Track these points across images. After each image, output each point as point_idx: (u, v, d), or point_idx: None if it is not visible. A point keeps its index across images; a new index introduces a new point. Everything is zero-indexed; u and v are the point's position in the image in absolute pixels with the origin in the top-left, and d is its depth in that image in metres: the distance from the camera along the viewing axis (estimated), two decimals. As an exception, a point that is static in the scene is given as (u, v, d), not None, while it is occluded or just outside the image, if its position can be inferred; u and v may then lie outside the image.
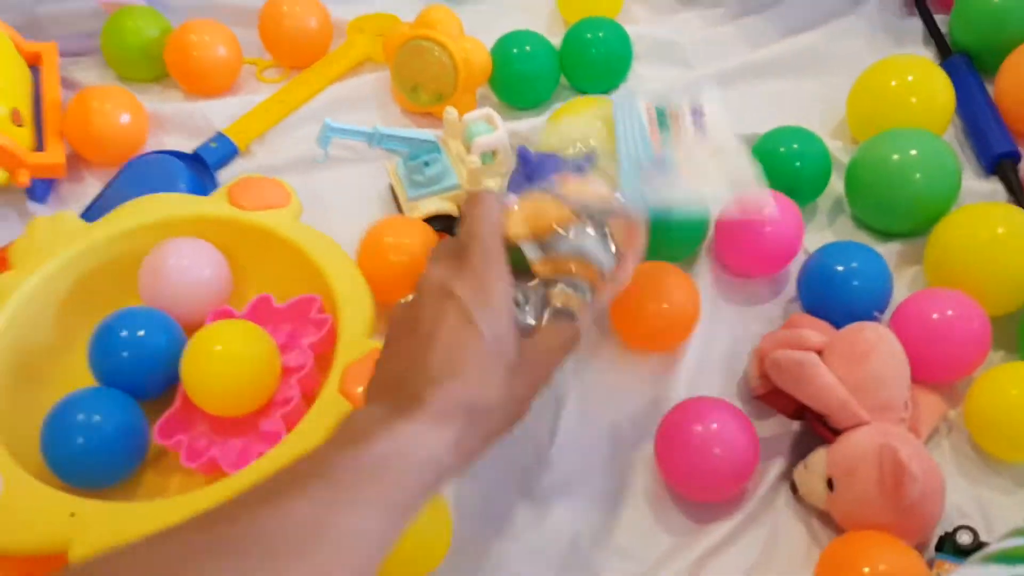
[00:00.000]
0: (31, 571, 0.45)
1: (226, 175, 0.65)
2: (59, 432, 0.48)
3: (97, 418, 0.49)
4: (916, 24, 0.72)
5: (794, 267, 0.57)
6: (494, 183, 0.60)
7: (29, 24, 0.72)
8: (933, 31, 0.70)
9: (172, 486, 0.51)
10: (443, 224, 0.58)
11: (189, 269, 0.54)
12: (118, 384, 0.51)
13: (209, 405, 0.50)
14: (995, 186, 0.61)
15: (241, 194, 0.55)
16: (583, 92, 0.68)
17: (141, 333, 0.51)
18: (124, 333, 0.51)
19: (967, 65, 0.66)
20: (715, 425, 0.48)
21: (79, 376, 0.52)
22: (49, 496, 0.45)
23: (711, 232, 0.58)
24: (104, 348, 0.51)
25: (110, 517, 0.44)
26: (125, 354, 0.51)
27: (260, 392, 0.51)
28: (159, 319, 0.52)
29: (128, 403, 0.50)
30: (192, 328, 0.52)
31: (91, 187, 0.65)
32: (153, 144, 0.67)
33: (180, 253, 0.54)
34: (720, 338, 0.56)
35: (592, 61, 0.67)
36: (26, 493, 0.45)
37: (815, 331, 0.51)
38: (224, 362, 0.50)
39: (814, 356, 0.48)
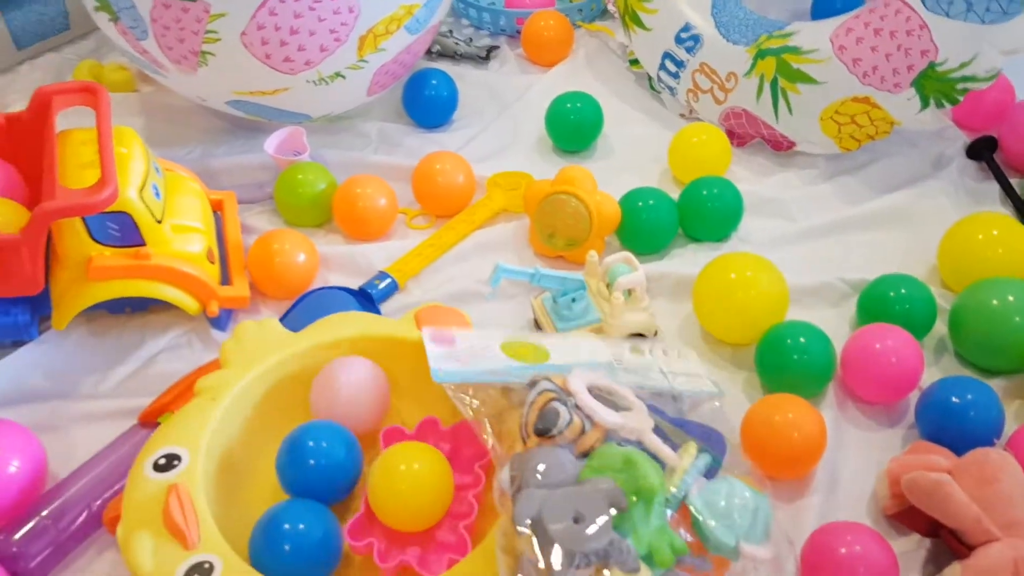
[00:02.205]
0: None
1: (387, 308, 0.73)
2: (269, 541, 0.54)
3: (302, 527, 0.55)
4: (993, 187, 0.81)
5: (911, 399, 0.64)
6: (633, 316, 0.68)
7: (203, 172, 0.83)
8: (1010, 193, 0.79)
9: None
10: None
11: (357, 386, 0.60)
12: (305, 489, 0.58)
13: (395, 521, 0.56)
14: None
15: (427, 319, 0.63)
16: (698, 240, 0.77)
17: (325, 445, 0.58)
18: (311, 444, 0.58)
19: (1044, 226, 0.74)
20: (858, 547, 0.53)
21: (269, 467, 0.58)
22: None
23: (838, 365, 0.65)
24: (294, 457, 0.58)
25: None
26: (312, 462, 0.58)
27: (439, 509, 0.57)
28: (340, 433, 0.59)
29: (327, 514, 0.56)
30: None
31: (266, 317, 0.73)
32: (320, 281, 0.75)
33: (352, 370, 0.61)
34: (846, 463, 0.62)
35: (708, 214, 0.76)
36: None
37: (940, 456, 0.57)
38: (409, 483, 0.56)
39: (949, 476, 0.54)
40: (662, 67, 0.89)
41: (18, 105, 0.93)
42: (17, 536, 0.57)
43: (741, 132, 0.85)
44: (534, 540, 0.48)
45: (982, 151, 0.83)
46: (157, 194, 0.69)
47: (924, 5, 0.72)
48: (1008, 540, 0.52)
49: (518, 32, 0.99)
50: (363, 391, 0.60)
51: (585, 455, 0.52)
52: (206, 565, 0.51)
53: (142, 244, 0.67)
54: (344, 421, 0.59)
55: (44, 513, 0.58)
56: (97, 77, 0.93)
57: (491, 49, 0.97)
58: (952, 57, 0.73)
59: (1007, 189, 0.79)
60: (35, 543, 0.57)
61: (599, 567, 0.47)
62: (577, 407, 0.53)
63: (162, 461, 0.56)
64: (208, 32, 0.72)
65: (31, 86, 0.95)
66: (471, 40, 0.99)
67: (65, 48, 1.01)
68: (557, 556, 0.47)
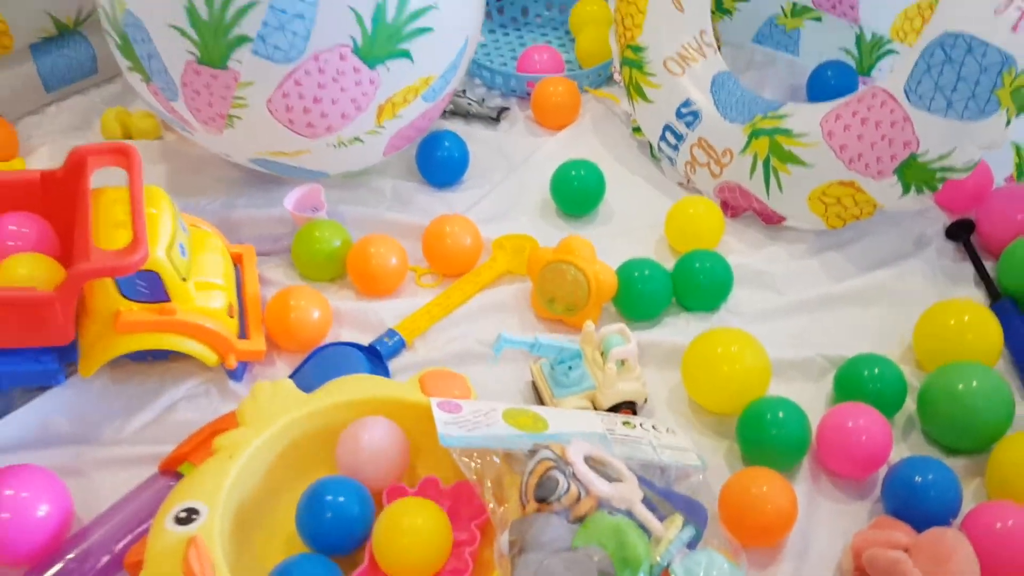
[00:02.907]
0: None
1: (394, 365, 0.78)
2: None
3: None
4: (968, 268, 0.85)
5: (879, 474, 0.68)
6: (625, 386, 0.72)
7: (223, 223, 0.87)
8: (983, 275, 0.84)
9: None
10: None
11: (380, 444, 0.65)
12: (319, 540, 0.62)
13: (399, 570, 0.61)
14: (1036, 410, 0.73)
15: (431, 384, 0.68)
16: (690, 310, 0.82)
17: (342, 499, 0.63)
18: (329, 498, 0.63)
19: (1014, 308, 0.79)
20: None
21: (286, 522, 0.63)
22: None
23: (814, 439, 0.70)
24: (312, 509, 0.62)
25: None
26: (329, 515, 0.62)
27: (437, 562, 0.61)
28: (355, 488, 0.64)
29: (333, 569, 0.60)
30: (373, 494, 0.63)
31: (280, 369, 0.78)
32: (332, 336, 0.80)
33: (372, 429, 0.66)
34: (816, 534, 0.66)
35: (700, 287, 0.81)
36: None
37: (901, 532, 0.62)
38: (410, 537, 0.60)
39: (905, 555, 0.59)
40: (663, 138, 0.94)
41: (46, 147, 0.98)
42: (47, 578, 0.62)
43: (735, 204, 0.90)
44: None
45: (960, 233, 0.88)
46: (183, 252, 0.73)
47: (908, 100, 0.77)
48: (960, 618, 0.57)
49: (528, 94, 1.03)
50: (384, 449, 0.64)
51: (579, 520, 0.57)
52: (222, 616, 0.56)
53: (167, 300, 0.71)
54: (365, 476, 0.64)
55: (70, 556, 0.63)
56: (124, 124, 0.98)
57: (502, 110, 1.02)
58: (932, 149, 0.77)
59: (980, 272, 0.84)
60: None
61: None
62: (574, 476, 0.58)
63: (183, 514, 0.60)
64: (236, 98, 0.77)
65: (58, 128, 1.01)
66: (483, 100, 1.03)
67: (91, 91, 1.06)
68: None
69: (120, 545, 0.64)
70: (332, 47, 0.75)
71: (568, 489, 0.57)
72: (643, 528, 0.57)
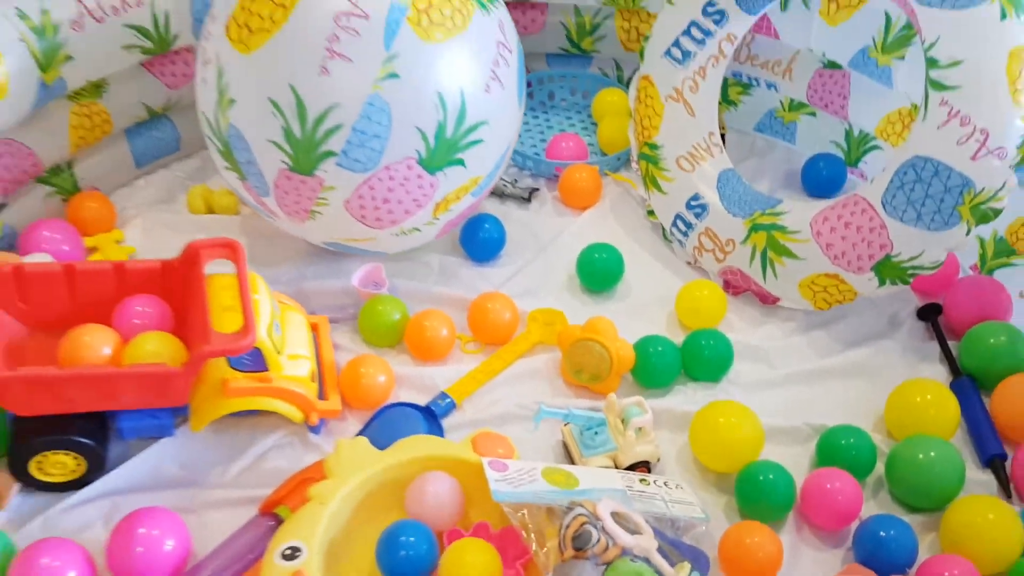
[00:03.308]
0: None
1: (447, 423, 0.92)
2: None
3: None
4: (935, 347, 1.00)
5: (851, 528, 0.83)
6: (642, 448, 0.87)
7: (296, 293, 1.02)
8: (947, 354, 0.99)
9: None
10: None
11: (441, 494, 0.80)
12: (395, 572, 0.76)
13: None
14: (990, 477, 0.88)
15: (481, 444, 0.82)
16: (697, 380, 0.96)
17: (412, 539, 0.77)
18: (403, 538, 0.77)
19: (971, 386, 0.94)
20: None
21: (367, 556, 0.77)
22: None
23: (798, 496, 0.84)
24: (390, 544, 0.77)
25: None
26: (403, 553, 0.77)
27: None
28: (423, 530, 0.78)
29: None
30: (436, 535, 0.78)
31: (351, 424, 0.92)
32: (394, 396, 0.94)
33: (436, 483, 0.80)
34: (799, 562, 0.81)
35: (705, 361, 0.96)
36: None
37: (866, 578, 0.76)
38: (470, 571, 0.74)
39: (868, 599, 0.73)
40: (674, 224, 1.09)
41: (139, 218, 1.12)
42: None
43: (736, 285, 1.05)
44: None
45: (929, 314, 1.02)
46: (277, 329, 0.88)
47: (884, 210, 0.92)
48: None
49: (556, 176, 1.18)
50: (445, 498, 0.79)
51: (607, 564, 0.72)
52: (324, 637, 0.70)
53: (266, 371, 0.86)
54: (430, 521, 0.78)
55: (198, 583, 0.78)
56: (208, 201, 1.12)
57: (533, 191, 1.17)
58: (904, 252, 0.92)
59: (945, 351, 0.99)
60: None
61: None
62: (603, 529, 0.73)
63: (288, 552, 0.74)
64: (319, 198, 0.92)
65: (147, 200, 1.16)
66: (516, 181, 1.18)
67: (174, 165, 1.21)
68: None
69: (229, 575, 0.79)
70: (401, 159, 0.90)
71: (599, 540, 0.72)
72: (658, 573, 0.72)
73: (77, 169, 1.11)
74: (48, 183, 1.09)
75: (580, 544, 0.72)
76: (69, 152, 1.09)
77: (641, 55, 1.12)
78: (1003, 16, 0.86)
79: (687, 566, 0.73)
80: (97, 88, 1.08)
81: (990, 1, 0.86)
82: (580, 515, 0.74)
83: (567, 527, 0.73)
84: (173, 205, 1.15)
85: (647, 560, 0.73)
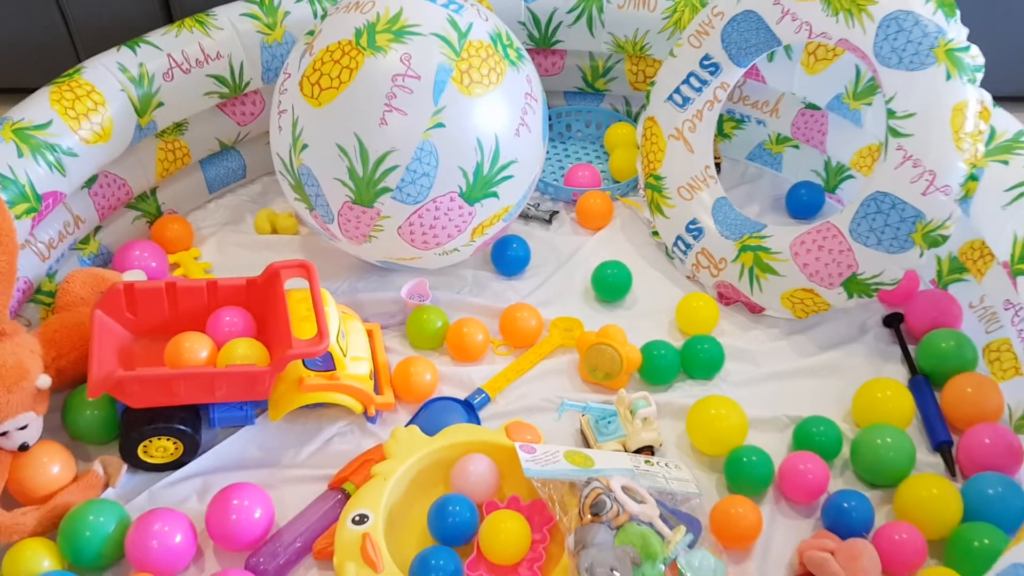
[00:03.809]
0: None
1: (483, 414, 1.10)
2: (421, 570, 0.90)
3: (441, 563, 0.90)
4: (897, 350, 1.17)
5: (820, 501, 1.00)
6: (647, 434, 1.04)
7: (352, 303, 1.19)
8: (907, 356, 1.16)
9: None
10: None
11: (481, 472, 0.97)
12: (444, 537, 0.94)
13: (495, 559, 0.92)
14: (938, 459, 1.05)
15: (513, 431, 1.00)
16: (693, 378, 1.14)
17: (458, 509, 0.95)
18: (450, 508, 0.94)
19: (926, 383, 1.11)
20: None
21: (419, 523, 0.95)
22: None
23: (776, 475, 1.01)
24: (439, 513, 0.94)
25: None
26: (450, 520, 0.94)
27: (522, 552, 0.93)
28: (466, 502, 0.95)
29: (455, 556, 0.91)
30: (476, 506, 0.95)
31: (402, 415, 1.10)
32: (438, 392, 1.12)
33: (477, 463, 0.98)
34: (775, 541, 0.98)
35: (701, 362, 1.13)
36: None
37: (831, 540, 0.93)
38: (505, 535, 0.92)
39: (831, 556, 0.90)
40: (675, 244, 1.26)
41: (213, 238, 1.31)
42: (262, 558, 0.94)
43: (728, 296, 1.22)
44: None
45: (893, 322, 1.19)
46: (343, 336, 1.05)
47: (851, 235, 1.09)
48: (862, 597, 0.89)
49: (573, 200, 1.36)
50: (484, 476, 0.96)
51: (619, 528, 0.89)
52: (391, 584, 0.88)
53: (334, 370, 1.03)
54: (471, 494, 0.95)
55: (276, 545, 0.95)
56: (272, 222, 1.30)
57: (553, 213, 1.35)
58: (868, 271, 1.09)
59: (905, 353, 1.16)
60: (271, 562, 0.93)
61: None
62: (615, 499, 0.90)
63: (357, 518, 0.92)
64: (376, 226, 1.09)
65: (218, 221, 1.34)
66: (539, 205, 1.36)
67: (240, 190, 1.39)
68: None
69: (307, 538, 0.96)
70: (445, 193, 1.07)
71: (611, 508, 0.89)
72: (659, 534, 0.89)
73: (160, 195, 1.30)
74: (136, 208, 1.28)
75: (596, 511, 0.89)
76: (155, 181, 1.26)
77: (647, 98, 1.30)
78: (948, 77, 1.03)
79: (683, 529, 0.90)
80: (179, 127, 1.26)
81: (937, 64, 1.03)
82: (596, 488, 0.91)
83: (585, 497, 0.91)
84: (242, 225, 1.33)
85: (651, 524, 0.90)
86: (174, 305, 1.05)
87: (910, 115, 1.04)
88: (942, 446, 1.05)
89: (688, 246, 1.24)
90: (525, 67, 1.13)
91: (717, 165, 1.33)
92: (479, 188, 1.08)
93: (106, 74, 1.14)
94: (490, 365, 1.15)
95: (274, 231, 1.31)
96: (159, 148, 1.25)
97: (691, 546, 0.90)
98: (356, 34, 1.05)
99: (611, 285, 1.23)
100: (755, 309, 1.21)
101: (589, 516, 0.90)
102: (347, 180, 1.06)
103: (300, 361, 1.02)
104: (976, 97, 1.03)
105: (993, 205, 1.03)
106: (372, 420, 1.08)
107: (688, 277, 1.27)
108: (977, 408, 1.06)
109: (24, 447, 0.96)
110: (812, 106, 1.31)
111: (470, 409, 1.10)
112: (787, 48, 1.27)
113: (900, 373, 1.15)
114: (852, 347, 1.18)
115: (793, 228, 1.17)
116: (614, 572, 0.84)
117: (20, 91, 1.18)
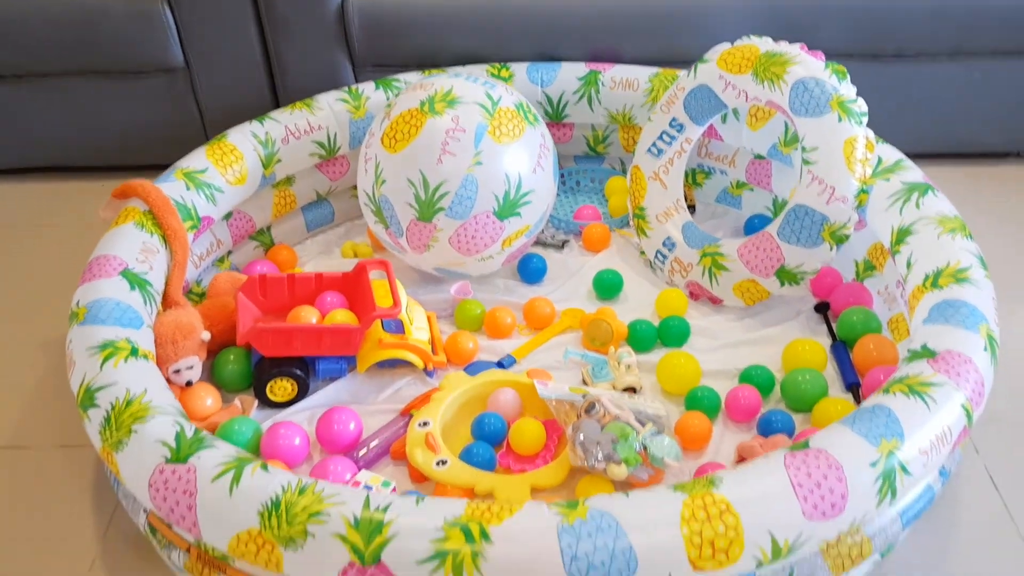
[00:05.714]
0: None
1: (512, 371, 1.49)
2: (466, 457, 1.29)
3: (481, 451, 1.30)
4: (823, 328, 1.55)
5: (756, 420, 1.37)
6: (630, 378, 1.42)
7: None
8: (830, 330, 1.54)
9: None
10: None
11: (509, 399, 1.36)
12: (483, 436, 1.33)
13: (520, 451, 1.31)
14: (849, 397, 1.41)
15: (533, 375, 1.39)
16: (668, 347, 1.52)
17: (494, 421, 1.34)
18: (487, 420, 1.34)
19: (842, 345, 1.48)
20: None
21: (465, 430, 1.34)
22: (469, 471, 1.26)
23: (724, 402, 1.39)
24: (480, 422, 1.33)
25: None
26: (488, 428, 1.33)
27: (540, 446, 1.31)
28: (499, 418, 1.34)
29: (491, 449, 1.30)
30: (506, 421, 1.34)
31: (450, 370, 1.50)
32: (477, 357, 1.52)
33: (506, 392, 1.37)
34: (723, 444, 1.34)
35: (672, 335, 1.52)
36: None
37: (760, 439, 1.30)
38: (527, 436, 1.31)
39: (757, 444, 1.27)
40: (656, 256, 1.67)
41: (310, 263, 1.75)
42: (358, 454, 1.33)
43: (695, 292, 1.62)
44: (580, 450, 1.22)
45: (822, 308, 1.58)
46: (409, 311, 1.47)
47: (779, 237, 1.49)
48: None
49: (580, 232, 1.78)
50: (511, 402, 1.36)
51: (604, 423, 1.27)
52: (444, 460, 1.27)
53: (403, 334, 1.44)
54: (503, 413, 1.34)
55: (369, 445, 1.34)
56: (355, 250, 1.74)
57: (564, 242, 1.77)
58: (793, 263, 1.49)
59: (829, 329, 1.54)
60: (362, 457, 1.33)
61: (607, 462, 1.22)
62: (603, 404, 1.28)
63: (422, 424, 1.32)
64: (433, 238, 1.52)
65: (313, 253, 1.78)
66: (554, 235, 1.78)
67: (329, 231, 1.84)
68: (591, 456, 1.21)
69: (385, 442, 1.35)
70: (483, 211, 1.50)
71: (599, 410, 1.28)
72: (633, 428, 1.27)
73: (273, 231, 1.75)
74: (256, 239, 1.73)
75: (588, 410, 1.28)
76: (270, 219, 1.72)
77: (634, 152, 1.74)
78: (840, 120, 1.45)
79: (650, 424, 1.28)
80: (288, 180, 1.73)
81: (832, 112, 1.46)
82: (590, 398, 1.30)
83: (583, 403, 1.29)
84: (329, 256, 1.78)
85: (627, 423, 1.28)
86: (292, 291, 1.49)
87: (815, 148, 1.46)
88: (852, 386, 1.42)
89: (664, 257, 1.66)
90: (540, 127, 1.58)
91: (692, 208, 1.75)
92: (507, 209, 1.52)
93: (244, 138, 1.62)
94: (516, 340, 1.56)
95: (355, 256, 1.75)
96: (275, 195, 1.71)
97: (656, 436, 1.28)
98: (421, 104, 1.51)
99: (608, 286, 1.63)
100: (716, 301, 1.60)
101: (584, 414, 1.28)
102: (413, 203, 1.50)
103: (380, 326, 1.44)
104: (863, 134, 1.45)
105: (880, 208, 1.43)
106: (430, 375, 1.49)
107: (666, 281, 1.67)
108: (878, 357, 1.43)
109: (189, 383, 1.38)
110: (759, 156, 1.74)
111: (501, 368, 1.49)
112: (735, 111, 1.71)
113: (825, 344, 1.52)
114: (788, 324, 1.56)
115: (739, 239, 1.58)
116: (599, 444, 1.23)
117: (154, 168, 1.64)
